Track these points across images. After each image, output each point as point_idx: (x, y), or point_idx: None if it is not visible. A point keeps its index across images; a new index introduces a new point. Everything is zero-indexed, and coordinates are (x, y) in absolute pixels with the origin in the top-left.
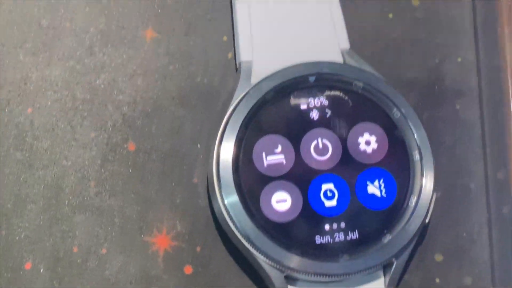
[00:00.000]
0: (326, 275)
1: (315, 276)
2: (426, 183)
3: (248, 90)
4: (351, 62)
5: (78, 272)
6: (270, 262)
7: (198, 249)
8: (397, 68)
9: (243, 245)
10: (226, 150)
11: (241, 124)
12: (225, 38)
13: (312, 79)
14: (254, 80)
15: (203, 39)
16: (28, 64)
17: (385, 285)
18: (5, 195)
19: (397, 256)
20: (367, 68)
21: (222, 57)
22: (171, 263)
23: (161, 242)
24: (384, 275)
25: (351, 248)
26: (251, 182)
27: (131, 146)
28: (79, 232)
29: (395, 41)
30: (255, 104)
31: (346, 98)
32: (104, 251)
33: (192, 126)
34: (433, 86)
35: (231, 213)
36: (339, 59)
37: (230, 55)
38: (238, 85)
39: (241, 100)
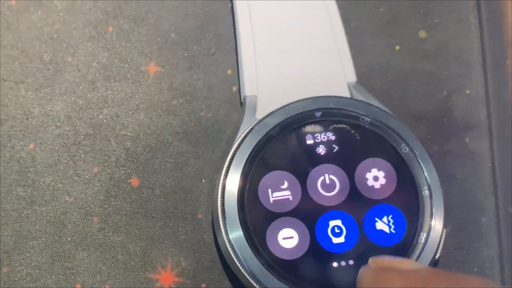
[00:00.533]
0: None
1: None
2: (436, 219)
3: (253, 125)
4: (358, 96)
5: None
6: None
7: (203, 286)
8: (405, 101)
9: (249, 282)
10: (231, 185)
11: (246, 160)
12: (229, 71)
13: (318, 114)
14: (259, 115)
15: (207, 73)
16: (30, 99)
17: None
18: (6, 232)
19: None
20: (374, 102)
21: (226, 91)
22: None
23: (166, 279)
24: None
25: None
26: (257, 218)
27: (135, 181)
28: (82, 269)
29: (403, 73)
30: (260, 140)
31: (354, 133)
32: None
33: (196, 161)
34: (442, 119)
35: (236, 249)
36: (345, 93)
37: (234, 88)
38: (243, 120)
39: (246, 135)
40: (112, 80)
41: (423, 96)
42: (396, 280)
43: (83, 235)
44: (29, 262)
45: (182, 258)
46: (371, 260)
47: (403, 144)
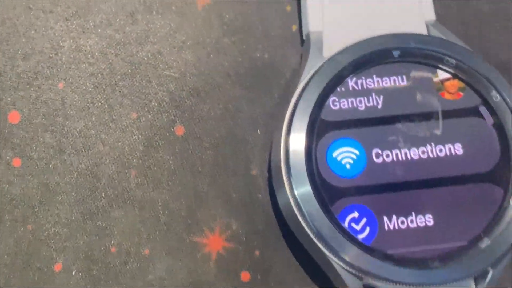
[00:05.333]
0: (412, 285)
1: (400, 285)
2: None
3: (322, 63)
4: (438, 36)
5: (116, 276)
6: (347, 267)
7: (257, 252)
8: (485, 47)
9: (315, 246)
10: (297, 134)
11: (315, 104)
12: (288, 8)
13: (396, 53)
14: (326, 53)
15: (263, 8)
16: (59, 31)
17: None
18: (32, 184)
19: (494, 265)
20: (458, 43)
21: (285, 30)
22: (225, 268)
23: (214, 243)
24: (476, 286)
25: (443, 253)
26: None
27: (179, 130)
28: (117, 230)
29: (485, 15)
30: (330, 80)
31: (436, 77)
32: (146, 252)
33: (250, 108)
34: None
35: (302, 207)
36: (423, 32)
37: (294, 27)
38: (307, 59)
39: (313, 75)
40: (154, 12)
41: (507, 42)
42: None
43: (119, 191)
44: (57, 219)
45: (232, 220)
46: None
47: (494, 91)
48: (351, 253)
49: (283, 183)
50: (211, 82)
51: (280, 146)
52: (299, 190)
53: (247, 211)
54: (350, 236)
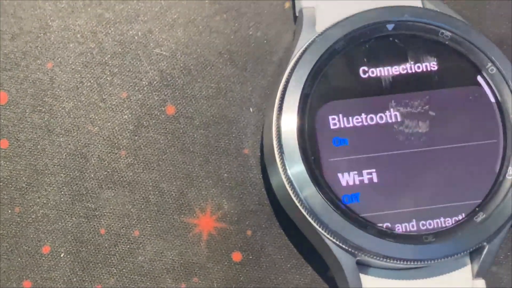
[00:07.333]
0: (407, 260)
1: (394, 261)
2: None
3: (314, 37)
4: (432, 8)
5: (105, 258)
6: (340, 243)
7: (249, 232)
8: (482, 21)
9: (308, 224)
10: (290, 112)
11: (307, 78)
12: None
13: (390, 27)
14: (319, 30)
15: None
16: (48, 10)
17: (472, 275)
18: (19, 166)
19: (489, 239)
20: (454, 15)
21: (277, 7)
22: (216, 249)
23: (205, 224)
24: (471, 262)
25: (438, 228)
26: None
27: (170, 109)
28: (107, 211)
29: None
30: (322, 54)
31: (431, 49)
32: (136, 233)
33: (242, 87)
34: None
35: (296, 185)
36: (417, 5)
37: (287, 4)
38: (300, 35)
39: (305, 50)
40: None
41: (505, 16)
42: None
43: (108, 171)
44: (45, 201)
45: (224, 200)
46: None
47: (490, 64)
48: (345, 229)
49: (276, 162)
50: (202, 61)
51: (272, 125)
52: (292, 169)
53: (239, 191)
54: (343, 212)
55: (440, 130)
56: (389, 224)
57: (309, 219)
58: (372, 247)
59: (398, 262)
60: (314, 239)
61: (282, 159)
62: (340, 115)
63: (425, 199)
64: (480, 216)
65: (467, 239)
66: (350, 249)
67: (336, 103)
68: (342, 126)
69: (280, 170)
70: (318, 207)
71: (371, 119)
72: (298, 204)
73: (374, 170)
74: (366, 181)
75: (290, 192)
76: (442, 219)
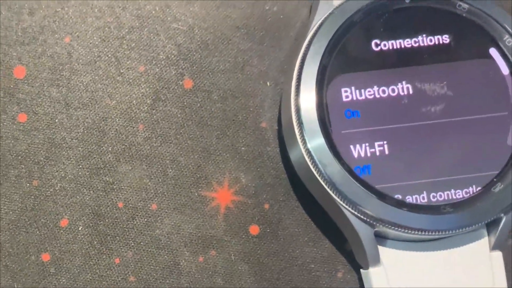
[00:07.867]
0: (424, 231)
1: (412, 231)
2: None
3: (331, 10)
4: None
5: (123, 231)
6: (359, 214)
7: (267, 206)
8: None
9: (327, 195)
10: (308, 85)
11: (325, 50)
12: None
13: None
14: (336, 3)
15: None
16: None
17: (489, 247)
18: (37, 139)
19: (506, 210)
20: None
21: None
22: (233, 223)
23: (222, 197)
24: (488, 234)
25: (455, 199)
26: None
27: (188, 83)
28: (124, 184)
29: None
30: (339, 27)
31: (448, 22)
32: (154, 207)
33: (260, 61)
34: None
35: (315, 158)
36: None
37: None
38: (317, 9)
39: (323, 22)
40: None
41: None
42: None
43: (126, 145)
44: (63, 174)
45: (241, 174)
46: None
47: (507, 36)
48: (364, 200)
49: (295, 135)
50: (219, 35)
51: (290, 98)
52: (312, 142)
53: (256, 164)
54: (362, 183)
55: (452, 103)
56: (400, 196)
57: (329, 190)
58: (391, 217)
59: (416, 232)
60: (332, 212)
61: (301, 132)
62: (353, 88)
63: (439, 171)
64: (498, 187)
65: (485, 210)
66: (369, 220)
67: (349, 76)
68: (354, 98)
69: (300, 143)
70: (337, 178)
71: (383, 91)
72: (317, 176)
73: (385, 142)
74: (377, 153)
75: (310, 165)
76: (458, 190)
